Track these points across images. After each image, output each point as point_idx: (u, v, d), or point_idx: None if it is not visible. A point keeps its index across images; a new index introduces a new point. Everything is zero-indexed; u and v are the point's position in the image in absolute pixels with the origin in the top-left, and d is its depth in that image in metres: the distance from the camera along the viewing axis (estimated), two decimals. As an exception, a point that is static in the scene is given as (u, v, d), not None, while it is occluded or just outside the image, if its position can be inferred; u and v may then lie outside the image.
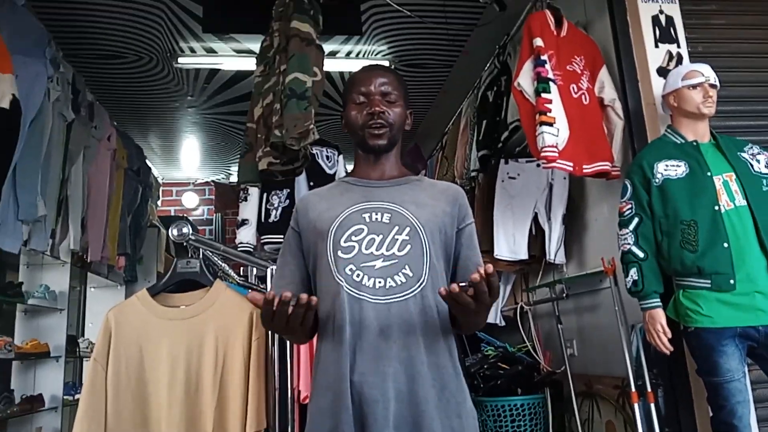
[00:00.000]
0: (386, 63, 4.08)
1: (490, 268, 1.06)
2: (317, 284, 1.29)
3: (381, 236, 1.24)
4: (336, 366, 1.19)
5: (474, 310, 1.10)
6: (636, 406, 2.35)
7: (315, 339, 1.32)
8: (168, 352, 1.64)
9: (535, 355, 3.29)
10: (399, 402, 1.15)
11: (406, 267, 1.22)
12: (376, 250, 1.23)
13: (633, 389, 2.38)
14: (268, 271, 1.81)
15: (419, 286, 1.22)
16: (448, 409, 1.19)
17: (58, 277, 3.70)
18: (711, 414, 2.01)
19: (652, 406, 2.30)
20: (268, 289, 1.79)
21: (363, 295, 1.20)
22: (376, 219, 1.27)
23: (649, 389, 2.32)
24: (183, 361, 1.64)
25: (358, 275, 1.21)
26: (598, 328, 2.84)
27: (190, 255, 1.77)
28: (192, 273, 1.74)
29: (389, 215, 1.27)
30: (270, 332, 1.70)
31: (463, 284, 1.07)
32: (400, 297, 1.20)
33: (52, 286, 3.62)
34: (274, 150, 2.27)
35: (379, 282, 1.20)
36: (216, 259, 2.10)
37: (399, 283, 1.21)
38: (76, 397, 3.65)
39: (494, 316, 3.59)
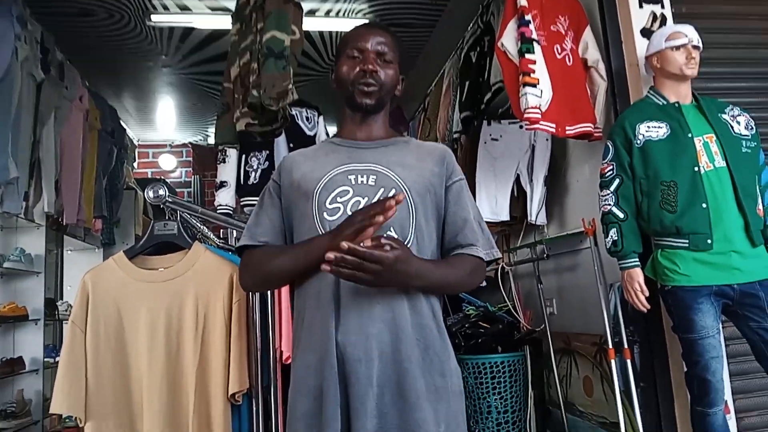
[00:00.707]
0: (367, 22, 3.98)
1: (344, 245, 1.07)
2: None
3: (366, 198, 1.23)
4: (322, 325, 1.18)
5: (368, 280, 1.11)
6: (613, 362, 2.41)
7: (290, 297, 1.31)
8: (147, 314, 1.62)
9: (515, 314, 3.35)
10: (382, 362, 1.16)
11: (391, 229, 1.21)
12: None
13: (610, 346, 2.43)
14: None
15: None
16: (432, 368, 1.20)
17: (33, 241, 3.64)
18: (685, 369, 2.07)
19: (629, 362, 2.36)
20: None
21: None
22: (362, 181, 1.25)
23: (625, 346, 2.38)
24: (163, 323, 1.63)
25: None
26: (577, 288, 2.89)
27: (167, 217, 1.74)
28: (169, 235, 1.72)
29: (375, 177, 1.26)
30: (250, 294, 1.69)
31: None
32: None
33: (28, 249, 3.56)
34: (252, 110, 2.22)
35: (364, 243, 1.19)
36: (195, 221, 2.07)
37: (377, 201, 1.20)
38: (57, 359, 3.63)
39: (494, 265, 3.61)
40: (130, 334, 1.62)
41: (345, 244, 1.07)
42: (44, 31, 3.52)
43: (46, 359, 3.55)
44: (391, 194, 1.21)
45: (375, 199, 1.23)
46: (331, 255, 1.07)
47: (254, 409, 1.67)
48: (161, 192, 1.67)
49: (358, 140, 1.34)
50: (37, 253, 3.62)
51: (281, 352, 1.71)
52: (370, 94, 1.30)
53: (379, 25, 1.41)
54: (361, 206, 1.22)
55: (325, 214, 1.23)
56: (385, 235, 1.15)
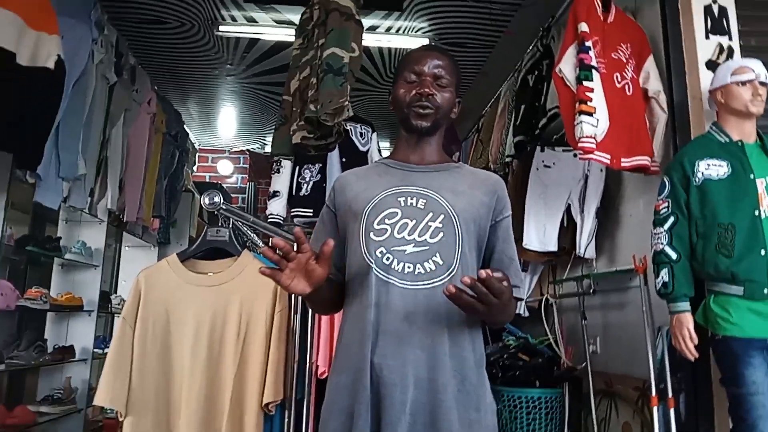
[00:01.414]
0: (426, 40, 4.01)
1: (483, 273, 1.04)
2: (348, 265, 1.30)
3: (414, 221, 1.24)
4: (358, 345, 1.19)
5: (481, 311, 1.08)
6: (655, 410, 2.30)
7: (338, 316, 1.34)
8: (193, 316, 1.68)
9: (556, 348, 3.26)
10: (418, 388, 1.15)
11: (437, 255, 1.22)
12: (408, 235, 1.23)
13: (654, 393, 2.33)
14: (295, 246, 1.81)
15: (449, 275, 1.21)
16: (467, 401, 1.18)
17: (94, 235, 3.81)
18: (731, 426, 1.97)
19: (672, 411, 2.25)
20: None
21: (391, 279, 1.20)
22: (411, 204, 1.26)
23: (670, 394, 2.27)
24: (207, 326, 1.68)
25: (388, 258, 1.21)
26: (623, 327, 2.79)
27: (220, 224, 1.80)
28: (221, 242, 1.78)
29: (424, 201, 1.26)
30: (293, 305, 1.73)
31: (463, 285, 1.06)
32: (428, 284, 1.20)
33: (89, 242, 3.74)
34: (308, 124, 2.27)
35: (409, 267, 1.20)
36: (246, 229, 2.13)
37: (428, 270, 1.21)
38: (105, 350, 3.75)
39: (518, 306, 3.57)
40: (176, 335, 1.68)
41: (483, 273, 1.05)
42: (119, 36, 3.71)
43: (95, 350, 3.70)
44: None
45: (423, 223, 1.24)
46: (467, 280, 1.04)
47: (286, 420, 1.69)
48: (216, 199, 1.74)
49: (411, 163, 1.35)
50: (97, 247, 3.80)
51: (317, 366, 1.73)
52: (425, 117, 1.31)
53: (437, 47, 1.43)
54: (408, 228, 1.23)
55: (372, 234, 1.24)
56: (497, 269, 1.10)
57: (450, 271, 1.21)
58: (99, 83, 3.38)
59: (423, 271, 1.20)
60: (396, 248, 1.22)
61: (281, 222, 3.04)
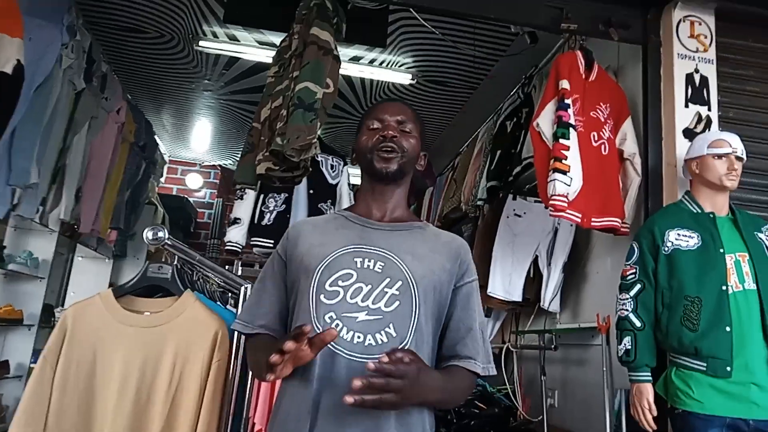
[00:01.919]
0: (409, 76, 3.99)
1: (371, 365, 0.96)
2: (293, 324, 1.19)
3: (370, 287, 1.14)
4: (294, 423, 1.09)
5: (394, 401, 0.98)
6: (610, 474, 2.24)
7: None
8: (122, 360, 1.54)
9: (514, 399, 3.19)
10: None
11: (391, 325, 1.12)
12: (362, 301, 1.13)
13: (610, 456, 2.27)
14: (242, 290, 1.71)
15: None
16: None
17: (43, 245, 3.62)
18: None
19: (627, 478, 2.19)
20: (239, 310, 1.69)
21: (338, 349, 1.09)
22: (368, 266, 1.16)
23: (626, 459, 2.22)
24: (137, 371, 1.54)
25: (337, 325, 1.10)
26: (582, 384, 2.74)
27: (164, 259, 1.68)
28: (162, 279, 1.65)
29: (382, 264, 1.17)
30: (232, 356, 1.60)
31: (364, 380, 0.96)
32: (377, 358, 1.07)
33: (36, 252, 3.55)
34: (274, 157, 2.18)
35: (359, 337, 1.10)
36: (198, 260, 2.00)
37: (380, 342, 1.10)
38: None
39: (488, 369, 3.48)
40: (101, 380, 1.53)
41: (371, 364, 0.96)
42: (93, 42, 3.59)
43: (32, 365, 3.49)
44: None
45: (379, 289, 1.14)
46: (357, 382, 0.94)
47: (216, 478, 1.56)
48: (160, 234, 1.61)
49: (373, 219, 1.26)
50: (45, 257, 3.60)
51: (253, 423, 1.61)
52: (390, 160, 1.24)
53: (400, 100, 1.37)
54: (362, 294, 1.13)
55: (322, 296, 1.14)
56: (399, 348, 1.03)
57: (403, 343, 1.12)
58: (64, 89, 3.25)
59: (374, 343, 1.10)
60: (347, 315, 1.12)
61: (239, 250, 2.91)
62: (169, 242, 1.62)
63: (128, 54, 4.13)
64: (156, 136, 5.13)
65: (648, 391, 1.96)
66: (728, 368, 1.83)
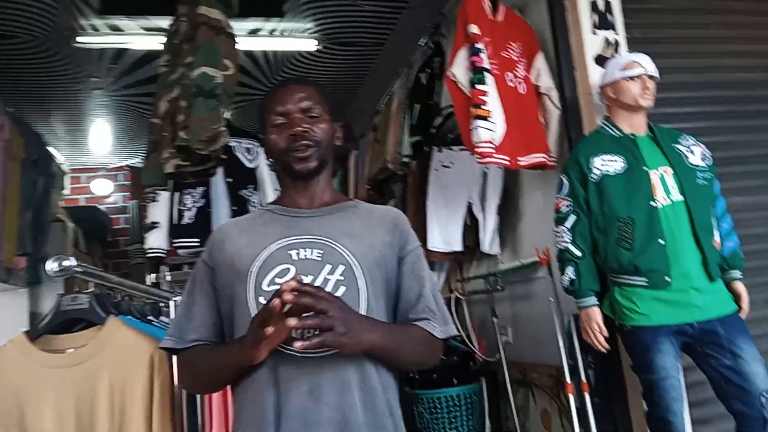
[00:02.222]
0: (314, 41, 3.84)
1: (292, 284, 0.95)
2: (235, 335, 1.12)
3: (311, 277, 1.07)
4: (258, 430, 1.03)
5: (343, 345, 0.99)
6: (571, 397, 2.34)
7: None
8: (54, 407, 1.38)
9: (469, 344, 3.26)
10: None
11: None
12: None
13: (568, 380, 2.36)
14: (171, 303, 1.59)
15: None
16: None
17: (-53, 286, 3.28)
18: (646, 409, 2.02)
19: (587, 395, 2.29)
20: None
21: (290, 350, 1.03)
22: (305, 256, 1.10)
23: (584, 380, 2.31)
24: (72, 416, 1.39)
25: None
26: (533, 317, 2.83)
27: (77, 289, 1.52)
28: (80, 311, 1.49)
29: (320, 251, 1.11)
30: (176, 375, 1.49)
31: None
32: (331, 350, 1.03)
33: (-60, 296, 3.21)
34: (182, 153, 2.03)
35: (308, 332, 1.03)
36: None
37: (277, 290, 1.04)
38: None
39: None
40: (34, 432, 1.39)
41: (292, 283, 0.95)
42: (-43, 56, 3.22)
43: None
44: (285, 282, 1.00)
45: (321, 278, 1.09)
46: (292, 321, 0.93)
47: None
48: (66, 263, 1.44)
49: (300, 207, 1.20)
50: (-49, 298, 3.27)
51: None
52: (308, 159, 1.17)
53: (296, 79, 1.28)
54: None
55: (261, 299, 1.07)
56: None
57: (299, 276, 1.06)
58: (-67, 112, 2.90)
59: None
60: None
61: (163, 255, 2.74)
62: (79, 269, 1.47)
63: (0, 63, 3.73)
64: (49, 147, 4.73)
65: (596, 314, 2.04)
66: (667, 278, 1.92)
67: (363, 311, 1.09)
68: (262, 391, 1.04)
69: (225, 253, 1.16)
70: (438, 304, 1.20)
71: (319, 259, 1.10)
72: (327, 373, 1.04)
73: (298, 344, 0.94)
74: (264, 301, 1.04)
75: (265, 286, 1.08)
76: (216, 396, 1.56)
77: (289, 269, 1.09)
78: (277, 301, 0.93)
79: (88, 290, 1.52)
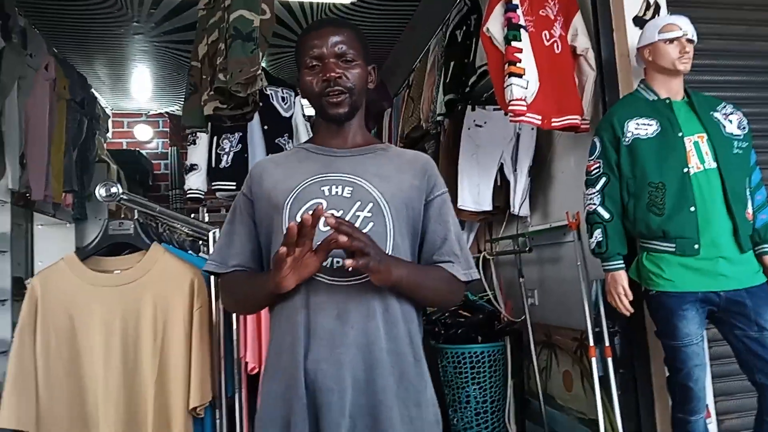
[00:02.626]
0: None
1: (331, 220, 1.02)
2: (271, 260, 1.18)
3: (341, 212, 1.14)
4: (289, 351, 1.11)
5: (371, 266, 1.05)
6: (594, 360, 2.36)
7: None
8: (101, 321, 1.52)
9: (496, 304, 3.30)
10: (356, 390, 1.09)
11: None
12: None
13: (591, 344, 2.38)
14: (210, 235, 1.67)
15: None
16: (407, 398, 1.14)
17: (-2, 218, 3.46)
18: (667, 375, 2.03)
19: (609, 360, 2.31)
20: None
21: (320, 276, 1.12)
22: (336, 192, 1.16)
23: (607, 343, 2.33)
24: (119, 330, 1.53)
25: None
26: (559, 281, 2.83)
27: (122, 215, 1.62)
28: (125, 235, 1.59)
29: (351, 189, 1.17)
30: (213, 300, 1.59)
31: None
32: (359, 279, 1.12)
33: (-8, 227, 3.40)
34: (220, 95, 2.07)
35: (338, 262, 1.12)
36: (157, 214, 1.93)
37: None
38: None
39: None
40: (84, 343, 1.52)
41: (330, 218, 1.03)
42: (4, -5, 3.29)
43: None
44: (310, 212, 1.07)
45: (350, 213, 1.15)
46: (331, 221, 1.02)
47: (218, 422, 1.59)
48: (114, 190, 1.54)
49: (333, 147, 1.25)
50: (3, 230, 3.46)
51: (246, 362, 1.62)
52: (340, 104, 1.20)
53: (331, 21, 1.29)
54: None
55: None
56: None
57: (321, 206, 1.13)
58: (-17, 50, 3.01)
59: None
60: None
61: (202, 197, 2.84)
62: (124, 197, 1.56)
63: (45, 4, 3.81)
64: (93, 90, 4.85)
65: (622, 277, 2.03)
66: (696, 246, 1.90)
67: (389, 247, 1.15)
68: (294, 313, 1.12)
69: (263, 187, 1.23)
70: (462, 248, 1.24)
71: (349, 196, 1.16)
72: (354, 300, 1.12)
73: (348, 261, 1.01)
74: None
75: (298, 218, 1.14)
76: (250, 319, 1.65)
77: (321, 203, 1.15)
78: (307, 216, 1.02)
79: (133, 218, 1.60)
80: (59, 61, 3.98)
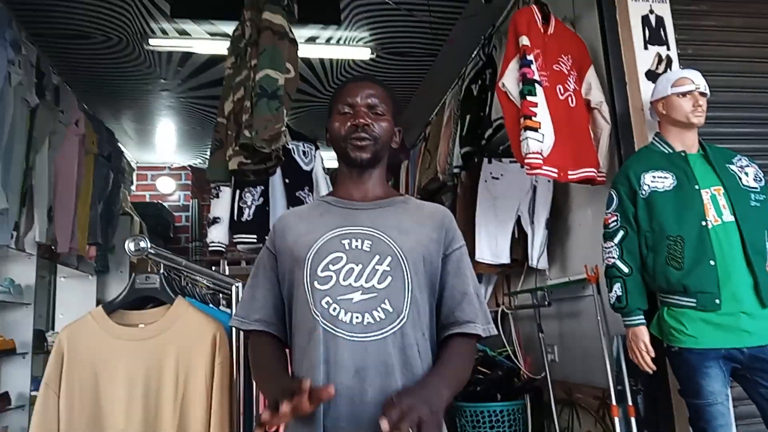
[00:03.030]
0: (368, 50, 3.94)
1: (384, 425, 0.94)
2: (293, 315, 1.21)
3: (360, 266, 1.15)
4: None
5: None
6: (617, 420, 2.30)
7: None
8: (125, 375, 1.53)
9: (515, 360, 3.24)
10: None
11: (386, 301, 1.13)
12: (355, 281, 1.14)
13: (613, 402, 2.33)
14: (233, 289, 1.70)
15: (399, 323, 1.13)
16: None
17: (23, 270, 3.53)
18: (692, 436, 1.97)
19: (633, 420, 2.25)
20: (233, 310, 1.68)
21: (339, 332, 1.11)
22: (356, 246, 1.18)
23: (630, 403, 2.27)
24: (141, 385, 1.54)
25: (334, 309, 1.12)
26: (579, 336, 2.79)
27: (149, 269, 1.66)
28: (151, 289, 1.63)
29: (370, 242, 1.18)
30: (234, 355, 1.60)
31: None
32: (378, 335, 1.11)
33: (18, 279, 3.46)
34: (244, 150, 2.15)
35: (357, 317, 1.12)
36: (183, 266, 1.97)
37: (378, 319, 1.12)
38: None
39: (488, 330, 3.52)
40: (107, 398, 1.53)
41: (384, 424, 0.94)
42: (40, 54, 3.47)
43: (33, 393, 3.44)
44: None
45: (370, 267, 1.15)
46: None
47: (235, 478, 1.57)
48: (143, 244, 1.59)
49: (354, 200, 1.27)
50: (28, 283, 3.53)
51: (264, 419, 1.61)
52: (364, 148, 1.23)
53: (369, 77, 1.34)
54: (354, 274, 1.15)
55: (316, 283, 1.15)
56: (393, 400, 1.00)
57: (401, 318, 1.14)
58: (18, 108, 3.16)
59: (372, 321, 1.12)
60: (342, 297, 1.13)
61: (223, 249, 2.89)
62: (152, 251, 1.60)
63: (78, 62, 4.01)
64: (120, 144, 5.02)
65: (643, 333, 2.00)
66: (717, 301, 1.87)
67: (407, 301, 1.15)
68: (313, 368, 1.11)
69: (286, 241, 1.25)
70: (481, 303, 1.24)
71: (369, 249, 1.17)
72: (372, 357, 1.10)
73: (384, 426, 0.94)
74: (319, 286, 1.14)
75: (319, 272, 1.16)
76: None
77: (341, 257, 1.16)
78: (306, 383, 0.97)
79: (159, 272, 1.64)
80: (89, 117, 4.16)
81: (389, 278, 1.15)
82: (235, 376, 1.60)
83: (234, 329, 1.62)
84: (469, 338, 1.20)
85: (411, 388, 1.06)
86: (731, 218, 1.93)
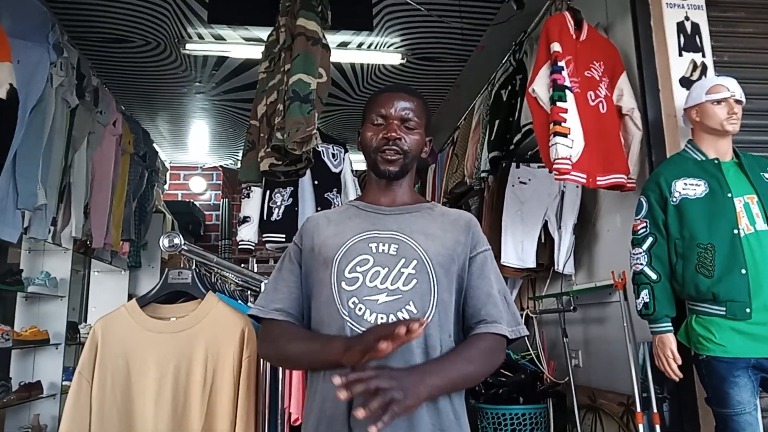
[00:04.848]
0: (399, 55, 3.97)
1: (337, 380, 0.99)
2: (317, 313, 1.23)
3: (386, 269, 1.18)
4: (333, 405, 1.13)
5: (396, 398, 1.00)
6: (641, 426, 2.27)
7: None
8: (156, 366, 1.58)
9: (538, 364, 3.22)
10: None
11: (411, 303, 1.16)
12: (381, 283, 1.17)
13: (638, 409, 2.30)
14: (262, 286, 1.74)
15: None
16: None
17: (59, 264, 3.66)
18: (719, 446, 1.94)
19: (658, 427, 2.23)
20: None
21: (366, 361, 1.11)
22: (383, 250, 1.21)
23: (654, 410, 2.25)
24: (171, 376, 1.58)
25: (360, 309, 1.15)
26: (605, 341, 2.77)
27: (182, 265, 1.71)
28: (183, 284, 1.68)
29: (396, 246, 1.21)
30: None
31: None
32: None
33: (53, 272, 3.59)
34: (276, 152, 2.19)
35: (382, 318, 1.14)
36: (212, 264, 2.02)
37: (402, 320, 1.13)
38: (76, 384, 3.62)
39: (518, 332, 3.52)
40: (137, 387, 1.58)
41: (338, 379, 0.99)
42: (81, 57, 3.59)
43: (65, 383, 3.55)
44: (416, 318, 1.11)
45: (395, 270, 1.18)
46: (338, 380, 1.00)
47: (259, 470, 1.60)
48: (176, 241, 1.63)
49: (382, 205, 1.30)
50: (62, 276, 3.65)
51: (290, 413, 1.65)
52: (393, 162, 1.27)
53: (404, 88, 1.36)
54: (380, 277, 1.17)
55: (343, 283, 1.18)
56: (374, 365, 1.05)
57: (427, 318, 1.16)
58: (59, 108, 3.27)
59: None
60: (368, 298, 1.16)
61: (252, 248, 2.95)
62: (185, 248, 1.65)
63: (116, 65, 4.14)
64: (155, 144, 5.15)
65: (670, 341, 1.98)
66: (747, 310, 1.85)
67: (433, 303, 1.17)
68: (335, 369, 1.11)
69: (314, 241, 1.28)
70: (509, 304, 1.25)
71: (395, 253, 1.20)
72: (396, 358, 1.10)
73: (372, 429, 0.97)
74: (346, 286, 1.17)
75: (346, 273, 1.19)
76: (296, 374, 1.68)
77: (368, 259, 1.19)
78: (402, 329, 0.98)
79: (191, 267, 1.69)
80: (126, 118, 4.28)
81: (414, 281, 1.17)
82: (261, 371, 1.63)
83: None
84: (492, 337, 1.20)
85: (396, 371, 1.05)
86: (765, 227, 1.91)
